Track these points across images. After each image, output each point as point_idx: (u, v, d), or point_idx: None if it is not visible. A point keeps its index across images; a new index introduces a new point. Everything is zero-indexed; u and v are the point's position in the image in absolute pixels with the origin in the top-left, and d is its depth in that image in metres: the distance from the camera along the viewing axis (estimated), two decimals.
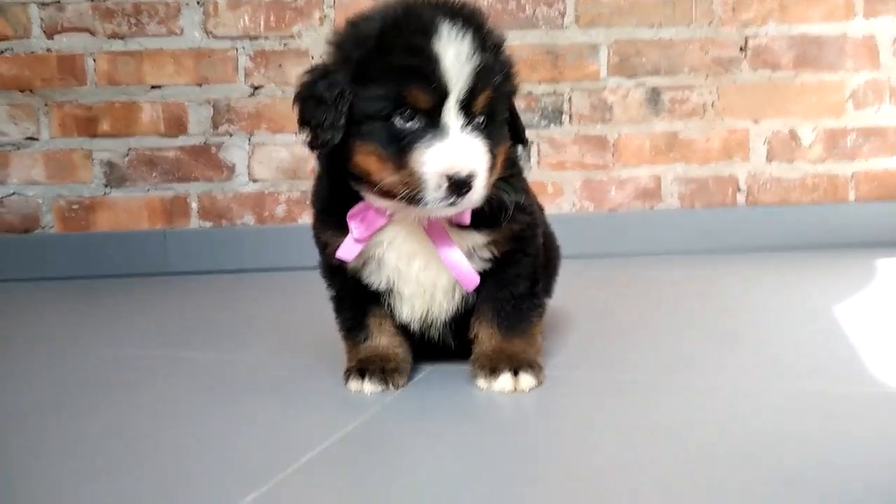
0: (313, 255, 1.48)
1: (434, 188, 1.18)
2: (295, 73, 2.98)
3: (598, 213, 3.15)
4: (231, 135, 3.03)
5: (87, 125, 2.99)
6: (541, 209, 1.59)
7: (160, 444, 1.17)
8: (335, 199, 1.35)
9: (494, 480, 1.00)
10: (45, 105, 2.97)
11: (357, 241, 1.31)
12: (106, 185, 3.02)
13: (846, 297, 2.07)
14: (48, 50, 2.95)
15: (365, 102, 1.21)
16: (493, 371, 1.35)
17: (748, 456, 1.04)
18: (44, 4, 2.93)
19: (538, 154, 3.10)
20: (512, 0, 3.04)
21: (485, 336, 1.40)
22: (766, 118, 3.13)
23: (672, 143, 3.13)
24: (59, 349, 1.82)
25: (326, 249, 1.41)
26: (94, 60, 2.97)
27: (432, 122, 1.20)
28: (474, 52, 1.20)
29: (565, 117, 3.10)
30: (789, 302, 2.09)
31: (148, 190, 3.03)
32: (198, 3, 2.98)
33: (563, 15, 3.06)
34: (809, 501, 0.90)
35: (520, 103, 2.99)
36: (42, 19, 2.94)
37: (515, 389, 1.34)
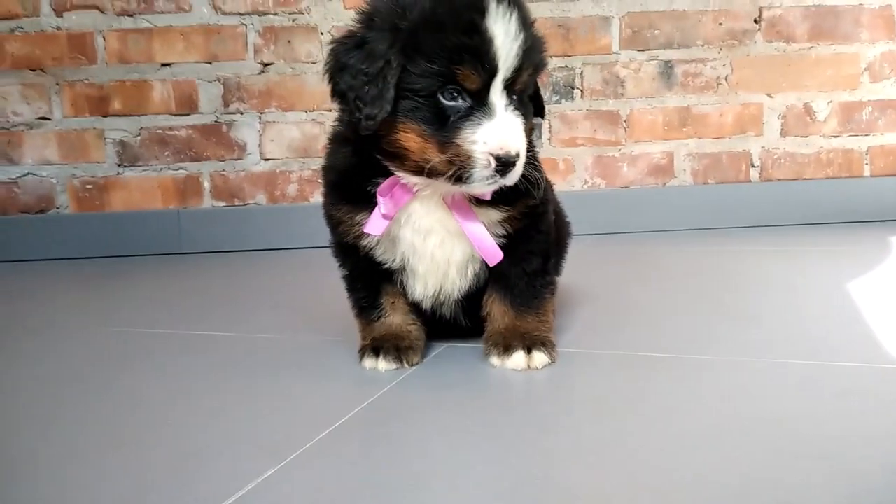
0: (325, 234, 1.47)
1: (483, 166, 1.19)
2: (304, 49, 2.98)
3: (610, 189, 3.13)
4: (242, 113, 3.03)
5: (99, 104, 2.99)
6: (550, 186, 1.58)
7: (177, 418, 1.19)
8: (355, 173, 1.34)
9: (508, 455, 1.01)
10: (57, 84, 2.97)
11: (385, 216, 1.31)
12: (119, 165, 3.03)
13: (860, 274, 2.06)
14: (58, 28, 2.95)
15: (411, 78, 1.19)
16: (507, 349, 1.36)
17: (760, 432, 1.04)
18: None
19: (550, 130, 3.09)
20: None
21: (498, 314, 1.40)
22: (780, 92, 3.10)
23: (685, 117, 3.11)
24: (74, 327, 1.84)
25: (340, 227, 1.40)
26: (104, 38, 2.97)
27: (478, 100, 1.20)
28: (521, 31, 1.20)
29: (577, 92, 3.08)
30: (803, 278, 2.08)
31: (161, 169, 3.04)
32: None
33: None
34: (823, 477, 0.90)
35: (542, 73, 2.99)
36: None
37: (529, 367, 1.35)
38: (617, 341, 1.52)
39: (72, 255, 2.97)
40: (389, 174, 1.30)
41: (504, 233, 1.38)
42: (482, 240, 1.33)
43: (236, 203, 3.08)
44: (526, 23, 1.24)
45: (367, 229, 1.33)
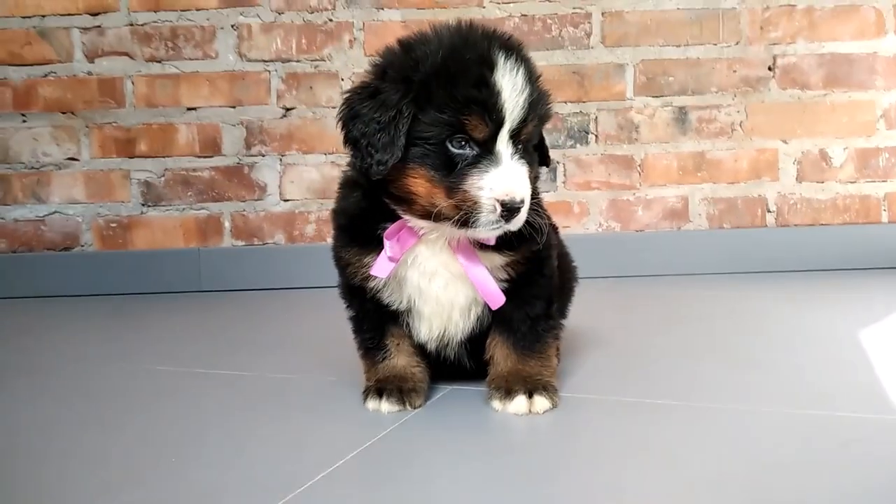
0: None
1: (488, 212, 1.23)
2: (325, 95, 3.06)
3: (624, 233, 3.15)
4: (263, 155, 3.11)
5: (126, 146, 3.09)
6: (556, 230, 1.61)
7: (184, 456, 1.22)
8: (365, 216, 1.38)
9: (506, 501, 1.02)
10: (86, 126, 3.08)
11: (391, 259, 1.34)
12: (143, 205, 3.11)
13: (873, 322, 2.04)
14: (89, 73, 3.06)
15: (421, 126, 1.25)
16: (509, 393, 1.37)
17: (759, 482, 1.04)
18: (85, 29, 3.04)
19: (564, 174, 3.12)
20: (538, 20, 3.07)
21: (500, 357, 1.42)
22: (795, 138, 3.11)
23: (700, 162, 3.13)
24: (93, 363, 1.88)
25: (348, 269, 1.44)
26: (133, 83, 3.07)
27: (485, 148, 1.25)
28: (526, 85, 1.26)
29: (591, 137, 3.12)
30: (815, 325, 2.07)
31: (183, 209, 3.11)
32: (232, 27, 3.07)
33: (588, 35, 3.08)
34: None
35: (547, 123, 3.02)
36: (84, 43, 3.06)
37: (530, 411, 1.36)
38: (622, 387, 1.53)
39: (95, 291, 3.04)
40: (397, 218, 1.34)
41: (507, 277, 1.40)
42: (485, 283, 1.36)
43: (255, 243, 3.14)
44: (532, 77, 1.30)
45: (373, 271, 1.36)
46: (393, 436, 1.29)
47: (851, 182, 3.12)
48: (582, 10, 3.08)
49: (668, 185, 3.13)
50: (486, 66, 1.24)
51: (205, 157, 3.10)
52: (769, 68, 3.09)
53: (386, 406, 1.39)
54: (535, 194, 1.44)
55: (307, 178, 3.11)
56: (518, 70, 1.26)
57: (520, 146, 1.29)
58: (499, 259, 1.38)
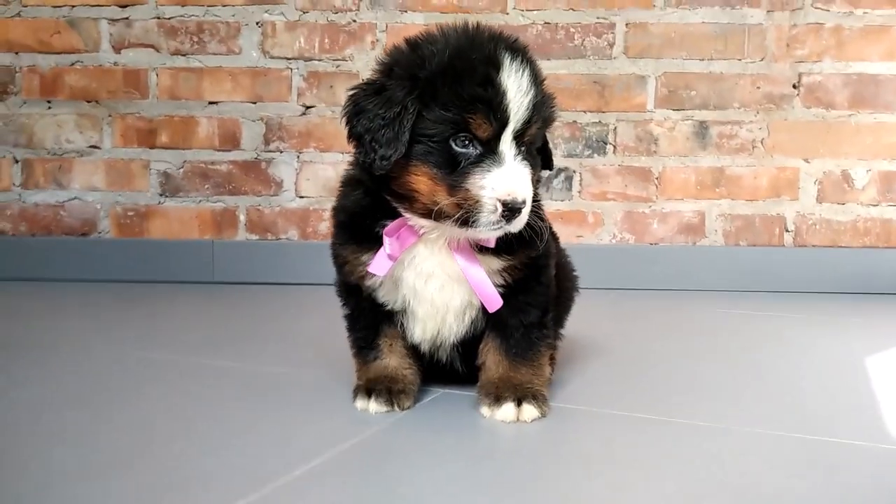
0: None
1: (489, 211, 1.23)
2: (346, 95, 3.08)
3: (638, 245, 3.12)
4: (281, 151, 3.13)
5: (147, 136, 3.13)
6: (555, 238, 1.60)
7: (169, 444, 1.22)
8: (365, 214, 1.38)
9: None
10: (109, 116, 3.12)
11: (390, 257, 1.34)
12: (161, 195, 3.15)
13: (882, 349, 2.00)
14: (115, 64, 3.11)
15: (426, 123, 1.25)
16: (497, 399, 1.37)
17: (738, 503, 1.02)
18: (113, 20, 3.09)
19: (580, 183, 3.10)
20: (561, 29, 3.06)
21: (492, 363, 1.41)
22: (817, 157, 3.06)
23: (718, 178, 3.09)
24: (96, 348, 1.91)
25: (345, 266, 1.44)
26: (157, 75, 3.12)
27: (489, 148, 1.25)
28: (531, 87, 1.27)
29: (609, 147, 3.10)
30: (822, 349, 2.03)
31: (200, 201, 3.15)
32: (257, 24, 3.10)
33: (611, 46, 3.07)
34: None
35: (564, 131, 3.02)
36: (111, 34, 3.11)
37: (518, 419, 1.35)
38: (614, 400, 1.51)
39: (109, 277, 3.08)
40: (397, 217, 1.34)
41: (503, 282, 1.40)
42: (482, 285, 1.36)
43: (269, 237, 3.16)
44: (537, 79, 1.31)
45: (371, 269, 1.36)
46: (377, 436, 1.29)
47: (873, 205, 3.06)
48: (606, 20, 3.06)
49: (686, 200, 3.10)
50: (493, 65, 1.25)
51: (224, 150, 3.14)
52: (794, 86, 3.05)
53: (374, 406, 1.39)
54: (535, 198, 1.44)
55: (323, 176, 3.13)
56: (524, 72, 1.27)
57: (523, 148, 1.29)
58: (496, 263, 1.38)
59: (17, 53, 3.10)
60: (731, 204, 3.10)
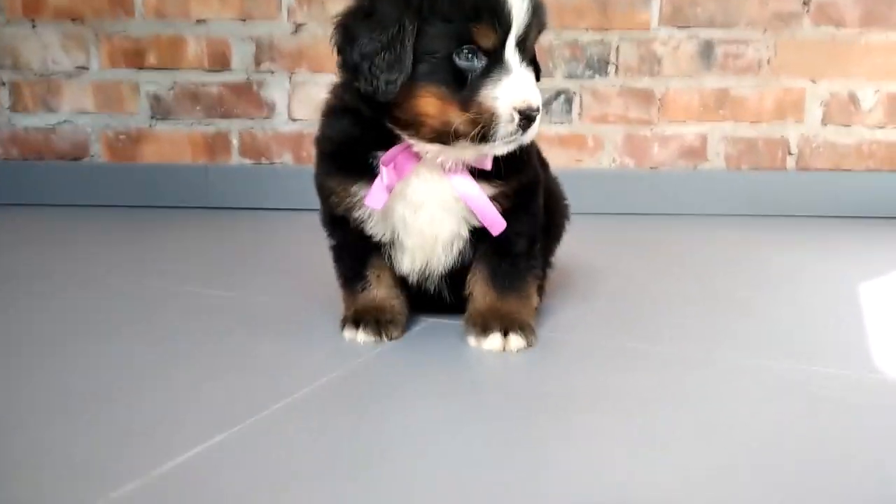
0: None
1: (507, 122, 1.20)
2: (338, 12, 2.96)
3: (638, 170, 3.07)
4: (272, 73, 3.05)
5: (135, 57, 3.05)
6: (545, 165, 1.56)
7: (147, 379, 1.23)
8: (352, 144, 1.34)
9: (469, 433, 1.02)
10: (95, 36, 3.03)
11: (388, 188, 1.30)
12: (152, 118, 3.09)
13: (877, 275, 1.98)
14: None
15: (426, 40, 1.20)
16: (484, 329, 1.36)
17: (728, 437, 1.03)
18: None
19: (580, 106, 3.03)
20: None
21: (479, 293, 1.40)
22: (824, 78, 2.97)
23: (722, 100, 3.01)
24: (82, 275, 1.90)
25: (332, 197, 1.41)
26: None
27: (494, 58, 1.21)
28: None
29: (611, 68, 3.01)
30: (818, 275, 2.02)
31: (192, 124, 3.09)
32: None
33: None
34: (784, 487, 0.89)
35: (564, 51, 2.93)
36: None
37: (504, 349, 1.35)
38: (604, 330, 1.51)
39: (102, 202, 3.06)
40: (389, 146, 1.30)
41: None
42: (485, 208, 1.33)
43: (263, 161, 3.12)
44: None
45: (368, 202, 1.32)
46: (365, 366, 1.29)
47: (879, 127, 2.99)
48: None
49: (688, 122, 3.04)
50: None
51: (214, 71, 3.05)
52: (804, 3, 2.93)
53: (362, 336, 1.39)
54: None
55: (316, 99, 3.05)
56: None
57: (525, 55, 1.25)
58: (487, 189, 1.35)
59: None
60: (734, 126, 3.03)
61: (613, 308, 1.68)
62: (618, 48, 2.99)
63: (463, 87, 1.20)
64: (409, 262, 1.42)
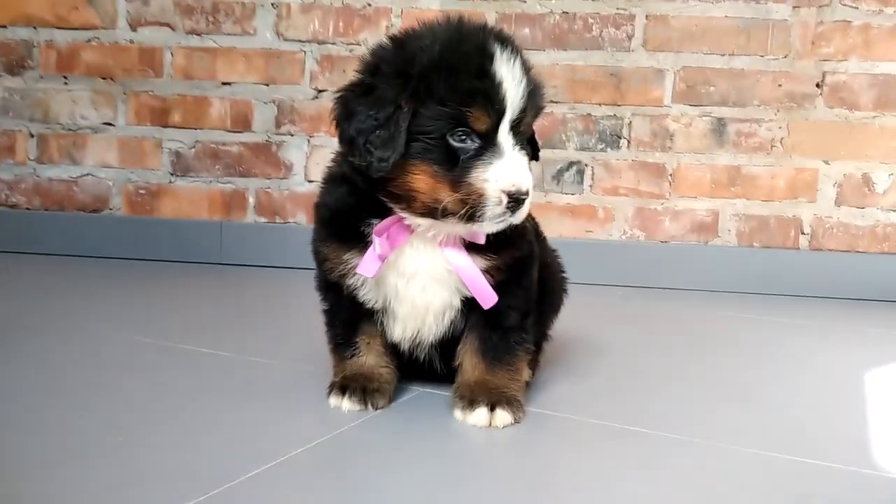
0: None
1: (495, 203, 1.22)
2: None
3: (648, 243, 3.07)
4: (292, 135, 3.12)
5: (160, 115, 3.14)
6: (543, 238, 1.57)
7: (131, 435, 1.23)
8: (348, 212, 1.37)
9: None
10: (124, 93, 3.14)
11: (380, 257, 1.32)
12: (172, 174, 3.17)
13: (884, 362, 1.94)
14: (131, 41, 3.12)
15: (421, 121, 1.23)
16: (471, 403, 1.35)
17: None
18: None
19: (592, 177, 3.05)
20: (579, 19, 3.00)
21: (469, 365, 1.40)
22: (838, 159, 2.97)
23: (734, 177, 3.02)
24: (83, 327, 1.93)
25: (325, 263, 1.43)
26: (172, 54, 3.12)
27: (487, 140, 1.23)
28: (524, 75, 1.26)
29: (623, 142, 3.04)
30: (825, 360, 1.98)
31: (210, 181, 3.16)
32: (272, 5, 3.08)
33: (630, 38, 3.00)
34: None
35: (577, 124, 2.97)
36: (128, 12, 3.11)
37: (490, 425, 1.33)
38: (595, 407, 1.49)
39: (119, 255, 3.11)
40: (384, 215, 1.32)
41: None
42: (476, 281, 1.34)
43: (277, 220, 3.16)
44: (527, 68, 1.29)
45: (359, 270, 1.34)
46: (347, 435, 1.28)
47: (893, 210, 2.97)
48: (626, 11, 2.99)
49: (699, 198, 3.04)
50: (486, 56, 1.23)
51: (235, 131, 3.14)
52: (817, 85, 2.95)
53: (347, 404, 1.38)
54: None
55: None
56: (515, 61, 1.26)
57: (519, 137, 1.27)
58: (480, 262, 1.36)
59: (35, 28, 3.13)
60: (746, 204, 3.03)
61: (609, 385, 1.66)
62: (630, 122, 3.03)
63: (455, 167, 1.23)
64: (401, 330, 1.43)
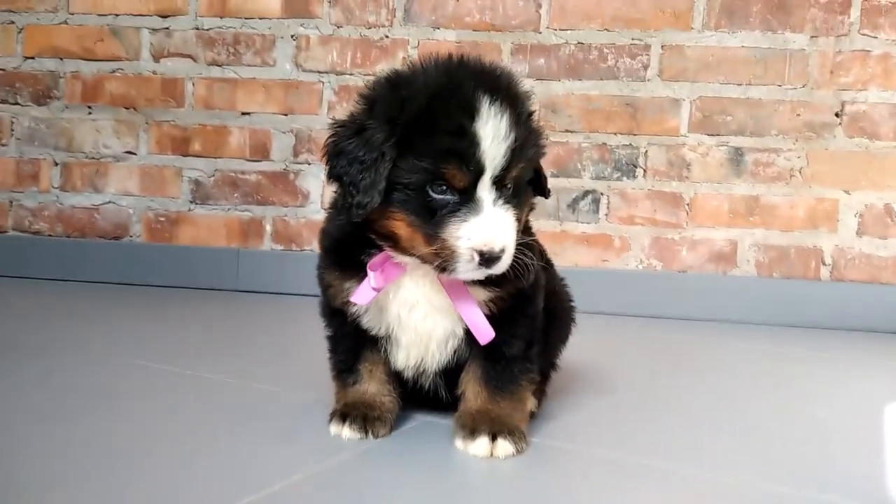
0: None
1: (466, 261, 1.22)
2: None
3: (666, 272, 3.03)
4: (310, 163, 3.16)
5: (181, 144, 3.20)
6: (551, 266, 1.56)
7: (133, 458, 1.23)
8: (349, 242, 1.37)
9: None
10: (146, 123, 3.21)
11: (374, 289, 1.32)
12: (191, 202, 3.21)
13: None
14: (154, 72, 3.20)
15: (402, 171, 1.23)
16: (472, 432, 1.33)
17: None
18: (154, 30, 3.18)
19: (608, 206, 3.04)
20: (594, 49, 3.01)
21: (471, 394, 1.38)
22: (859, 189, 2.93)
23: (753, 207, 2.99)
24: (96, 353, 1.94)
25: (329, 290, 1.44)
26: (193, 85, 3.19)
27: (466, 196, 1.23)
28: (511, 130, 1.23)
29: (639, 171, 3.02)
30: (844, 392, 1.93)
31: (228, 209, 3.20)
32: (292, 37, 3.14)
33: (646, 67, 3.00)
34: None
35: (593, 153, 2.97)
36: (152, 44, 3.19)
37: (492, 455, 1.31)
38: (602, 439, 1.46)
39: (138, 281, 3.15)
40: (381, 248, 1.32)
41: (489, 312, 1.36)
42: (474, 317, 1.33)
43: (293, 248, 3.19)
44: (519, 120, 1.27)
45: (354, 299, 1.35)
46: (345, 463, 1.27)
47: None
48: (641, 41, 3.00)
49: (717, 227, 3.01)
50: (467, 114, 1.21)
51: (254, 160, 3.18)
52: (836, 115, 2.93)
53: (347, 432, 1.37)
54: (527, 230, 1.41)
55: None
56: (503, 116, 1.23)
57: (504, 190, 1.26)
58: (482, 294, 1.35)
59: (61, 59, 3.22)
60: (766, 234, 2.99)
61: (617, 417, 1.63)
62: (646, 152, 3.02)
63: (432, 219, 1.23)
64: (404, 357, 1.42)
